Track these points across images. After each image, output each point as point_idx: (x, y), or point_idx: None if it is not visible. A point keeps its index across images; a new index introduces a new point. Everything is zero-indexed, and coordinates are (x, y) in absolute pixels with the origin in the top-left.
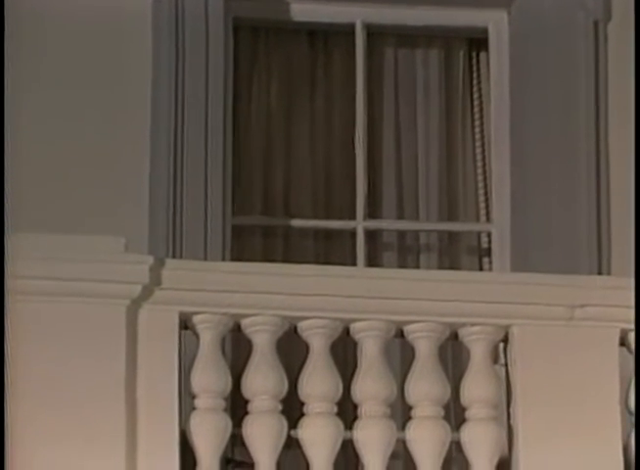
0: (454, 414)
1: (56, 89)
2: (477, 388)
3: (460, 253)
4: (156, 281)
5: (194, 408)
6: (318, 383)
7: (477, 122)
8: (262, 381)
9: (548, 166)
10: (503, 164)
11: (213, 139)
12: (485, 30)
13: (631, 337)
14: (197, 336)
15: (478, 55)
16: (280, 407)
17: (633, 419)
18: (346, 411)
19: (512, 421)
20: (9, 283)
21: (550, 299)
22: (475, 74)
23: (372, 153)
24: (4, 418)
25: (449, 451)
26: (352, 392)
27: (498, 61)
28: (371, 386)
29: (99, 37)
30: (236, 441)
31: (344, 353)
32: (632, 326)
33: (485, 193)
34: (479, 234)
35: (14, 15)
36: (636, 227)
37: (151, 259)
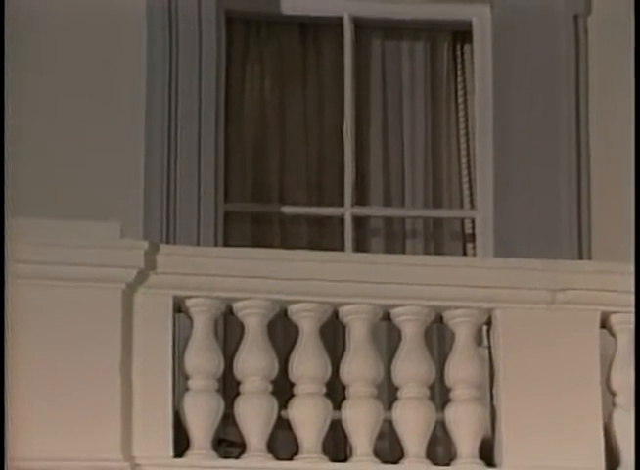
0: (439, 395)
1: (54, 79)
2: (461, 369)
3: (445, 238)
4: (150, 266)
5: (187, 389)
6: (308, 364)
7: (461, 112)
8: (254, 362)
9: (530, 155)
10: (487, 152)
11: (206, 128)
12: (469, 24)
13: (612, 319)
14: (190, 319)
15: (462, 47)
16: (271, 388)
17: (615, 399)
18: (335, 392)
19: (495, 401)
20: (8, 267)
21: (532, 283)
22: (459, 66)
23: (360, 141)
24: (4, 398)
25: (434, 431)
26: (341, 373)
27: (482, 53)
28: (359, 367)
29: (93, 30)
30: (228, 420)
31: (334, 336)
32: (613, 309)
33: (469, 181)
34: (462, 220)
35: (10, 12)
36: (636, 214)
37: (146, 245)
